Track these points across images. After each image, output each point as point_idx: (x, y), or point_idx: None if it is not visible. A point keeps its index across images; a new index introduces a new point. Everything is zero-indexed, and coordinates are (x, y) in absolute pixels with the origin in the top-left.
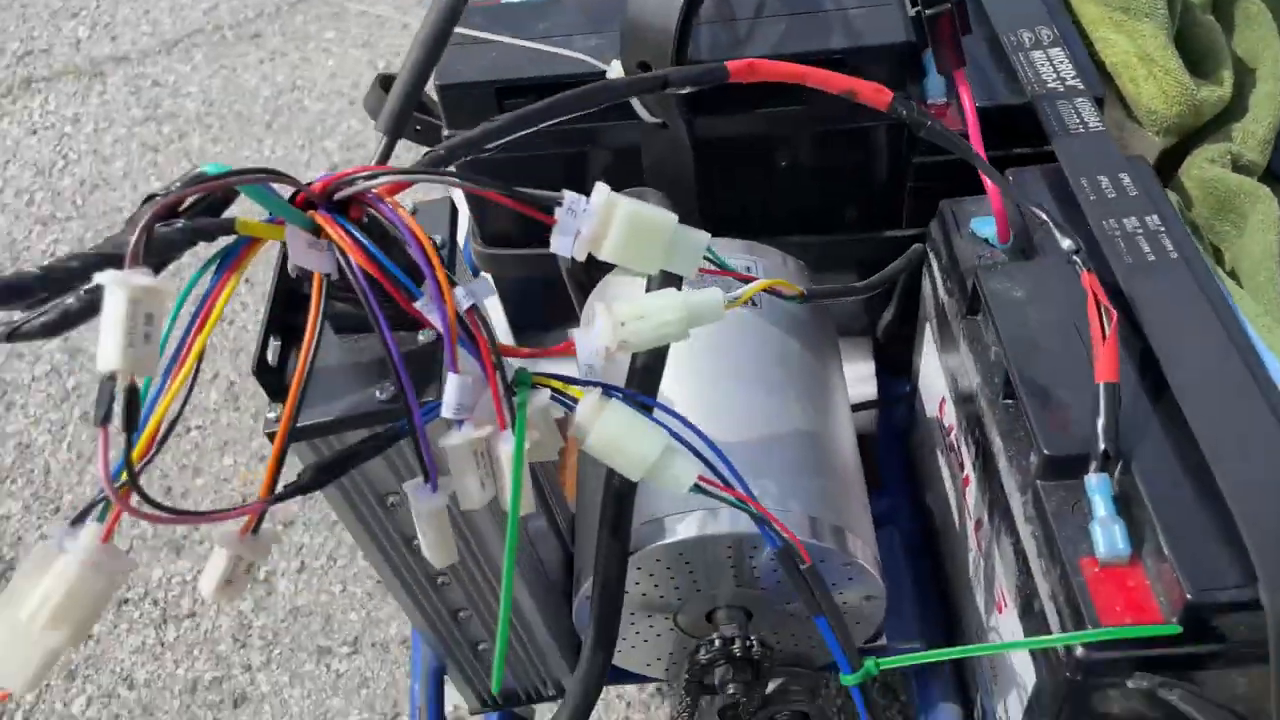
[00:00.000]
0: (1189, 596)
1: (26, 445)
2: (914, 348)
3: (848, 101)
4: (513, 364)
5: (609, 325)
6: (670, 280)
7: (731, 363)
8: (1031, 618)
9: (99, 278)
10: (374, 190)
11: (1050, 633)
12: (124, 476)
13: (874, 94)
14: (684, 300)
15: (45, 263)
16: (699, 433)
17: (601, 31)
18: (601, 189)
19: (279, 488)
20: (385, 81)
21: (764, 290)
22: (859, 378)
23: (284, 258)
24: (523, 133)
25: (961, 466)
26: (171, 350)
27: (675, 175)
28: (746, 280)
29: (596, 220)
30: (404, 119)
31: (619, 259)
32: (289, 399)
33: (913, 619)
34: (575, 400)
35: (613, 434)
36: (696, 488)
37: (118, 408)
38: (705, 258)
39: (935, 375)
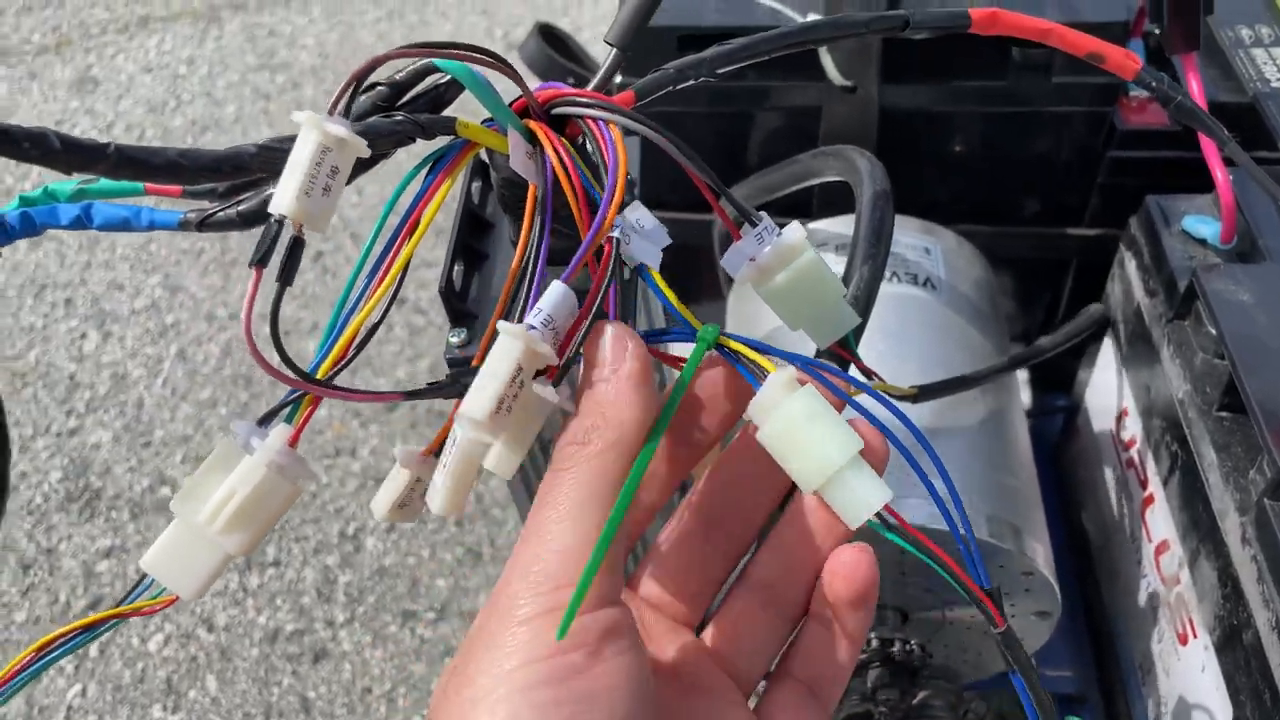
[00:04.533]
0: None
1: (122, 377)
2: (1080, 360)
3: (1050, 81)
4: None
5: None
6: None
7: (914, 345)
8: (1235, 650)
9: (295, 116)
10: (603, 116)
11: (1264, 666)
12: (323, 371)
13: (1122, 59)
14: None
15: (262, 140)
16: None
17: None
18: (797, 227)
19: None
20: (545, 31)
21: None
22: None
23: (470, 178)
24: (749, 62)
25: (1144, 485)
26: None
27: (856, 144)
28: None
29: (777, 256)
30: (635, 31)
31: (771, 299)
32: (490, 326)
33: (1063, 644)
34: (760, 374)
35: (799, 423)
36: (880, 520)
37: (278, 257)
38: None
39: (1110, 387)
